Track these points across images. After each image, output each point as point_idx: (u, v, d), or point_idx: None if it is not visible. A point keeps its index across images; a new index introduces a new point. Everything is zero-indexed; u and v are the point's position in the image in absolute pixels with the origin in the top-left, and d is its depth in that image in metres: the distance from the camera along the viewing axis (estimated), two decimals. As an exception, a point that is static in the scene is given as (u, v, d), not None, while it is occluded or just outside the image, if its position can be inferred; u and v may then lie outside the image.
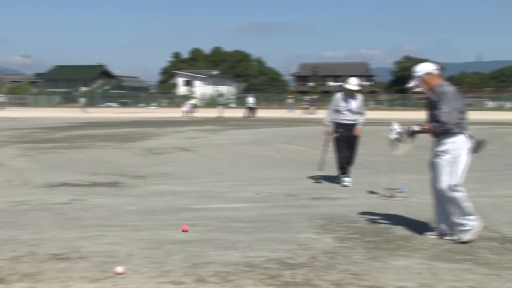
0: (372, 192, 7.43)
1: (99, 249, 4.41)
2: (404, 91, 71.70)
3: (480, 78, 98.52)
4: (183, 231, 5.05)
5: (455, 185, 4.61)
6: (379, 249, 4.39)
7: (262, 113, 39.15)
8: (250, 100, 36.16)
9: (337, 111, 8.32)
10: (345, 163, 8.35)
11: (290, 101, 50.28)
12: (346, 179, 8.32)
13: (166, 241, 4.67)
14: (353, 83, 8.24)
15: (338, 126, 8.34)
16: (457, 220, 4.64)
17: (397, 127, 5.61)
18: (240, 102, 66.55)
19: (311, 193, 7.52)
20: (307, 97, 51.27)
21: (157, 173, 10.18)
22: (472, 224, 4.60)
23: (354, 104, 8.29)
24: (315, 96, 54.38)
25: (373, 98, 72.87)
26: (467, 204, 4.63)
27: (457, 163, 4.62)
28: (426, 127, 4.86)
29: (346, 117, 8.27)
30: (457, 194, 4.61)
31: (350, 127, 8.29)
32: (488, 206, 6.21)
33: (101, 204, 6.68)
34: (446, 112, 4.56)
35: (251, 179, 9.46)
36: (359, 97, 8.42)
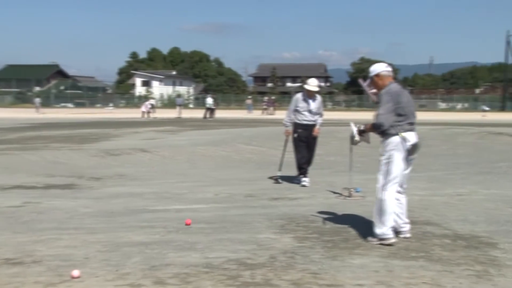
0: (330, 192, 7.51)
1: (54, 252, 4.29)
2: (361, 92, 73.01)
3: (432, 80, 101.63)
4: (187, 224, 5.23)
5: (386, 187, 4.63)
6: (337, 248, 4.45)
7: (221, 113, 39.09)
8: (209, 100, 36.03)
9: (297, 112, 8.37)
10: (304, 163, 8.41)
11: (249, 101, 50.45)
12: (304, 179, 8.38)
13: (123, 243, 4.59)
14: (312, 84, 8.29)
15: (297, 126, 8.39)
16: (374, 223, 4.66)
17: (353, 126, 5.75)
18: (198, 102, 66.32)
19: (270, 193, 7.54)
20: (265, 98, 51.55)
21: (114, 175, 10.02)
22: (381, 231, 4.58)
23: (313, 105, 8.35)
24: (273, 97, 54.73)
25: (331, 99, 73.94)
26: (390, 213, 4.58)
27: (390, 164, 4.64)
28: (368, 127, 4.98)
29: (306, 118, 8.33)
30: (385, 197, 4.62)
31: (309, 127, 8.36)
32: (441, 204, 6.40)
33: (56, 207, 6.50)
34: (380, 114, 4.63)
35: (210, 179, 9.42)
36: (318, 98, 8.51)
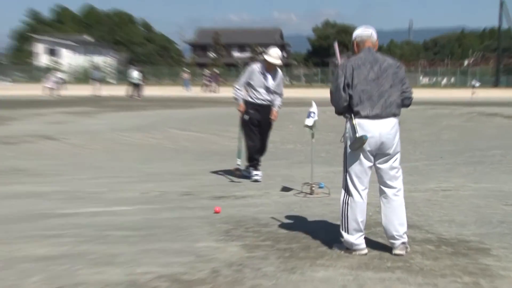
0: (287, 189, 7.57)
1: None
2: (325, 64, 73.88)
3: (412, 48, 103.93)
4: (216, 212, 5.90)
5: (345, 185, 4.67)
6: (296, 258, 4.48)
7: (150, 91, 38.73)
8: (135, 74, 35.66)
9: (250, 87, 8.28)
10: (255, 153, 8.37)
11: (185, 76, 50.20)
12: (256, 172, 8.39)
13: (21, 258, 4.47)
14: (274, 55, 8.17)
15: (249, 106, 8.31)
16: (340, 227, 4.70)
17: (315, 110, 5.73)
18: (121, 77, 65.36)
19: (212, 190, 7.54)
20: (207, 71, 51.45)
21: (9, 169, 9.82)
22: (345, 239, 4.61)
23: (272, 81, 8.28)
24: (217, 70, 54.66)
25: (288, 72, 74.48)
26: (352, 218, 4.57)
27: (345, 155, 4.65)
28: None
29: (261, 96, 8.25)
30: (342, 197, 4.68)
31: (264, 108, 8.30)
32: (423, 202, 6.55)
33: None
34: (330, 92, 4.66)
35: (136, 174, 9.36)
36: (279, 73, 8.42)
